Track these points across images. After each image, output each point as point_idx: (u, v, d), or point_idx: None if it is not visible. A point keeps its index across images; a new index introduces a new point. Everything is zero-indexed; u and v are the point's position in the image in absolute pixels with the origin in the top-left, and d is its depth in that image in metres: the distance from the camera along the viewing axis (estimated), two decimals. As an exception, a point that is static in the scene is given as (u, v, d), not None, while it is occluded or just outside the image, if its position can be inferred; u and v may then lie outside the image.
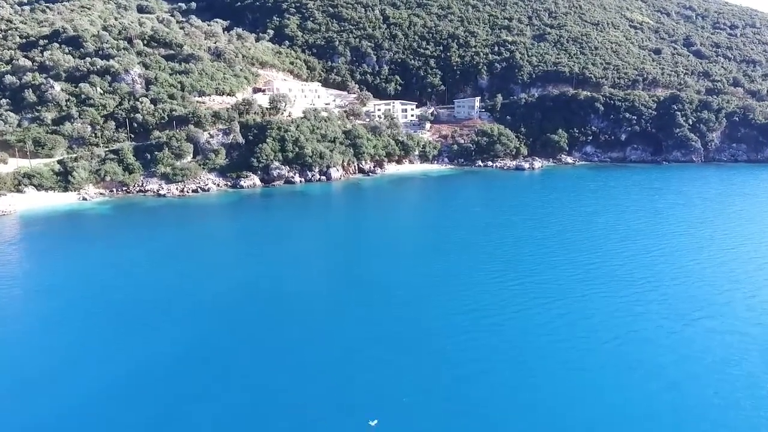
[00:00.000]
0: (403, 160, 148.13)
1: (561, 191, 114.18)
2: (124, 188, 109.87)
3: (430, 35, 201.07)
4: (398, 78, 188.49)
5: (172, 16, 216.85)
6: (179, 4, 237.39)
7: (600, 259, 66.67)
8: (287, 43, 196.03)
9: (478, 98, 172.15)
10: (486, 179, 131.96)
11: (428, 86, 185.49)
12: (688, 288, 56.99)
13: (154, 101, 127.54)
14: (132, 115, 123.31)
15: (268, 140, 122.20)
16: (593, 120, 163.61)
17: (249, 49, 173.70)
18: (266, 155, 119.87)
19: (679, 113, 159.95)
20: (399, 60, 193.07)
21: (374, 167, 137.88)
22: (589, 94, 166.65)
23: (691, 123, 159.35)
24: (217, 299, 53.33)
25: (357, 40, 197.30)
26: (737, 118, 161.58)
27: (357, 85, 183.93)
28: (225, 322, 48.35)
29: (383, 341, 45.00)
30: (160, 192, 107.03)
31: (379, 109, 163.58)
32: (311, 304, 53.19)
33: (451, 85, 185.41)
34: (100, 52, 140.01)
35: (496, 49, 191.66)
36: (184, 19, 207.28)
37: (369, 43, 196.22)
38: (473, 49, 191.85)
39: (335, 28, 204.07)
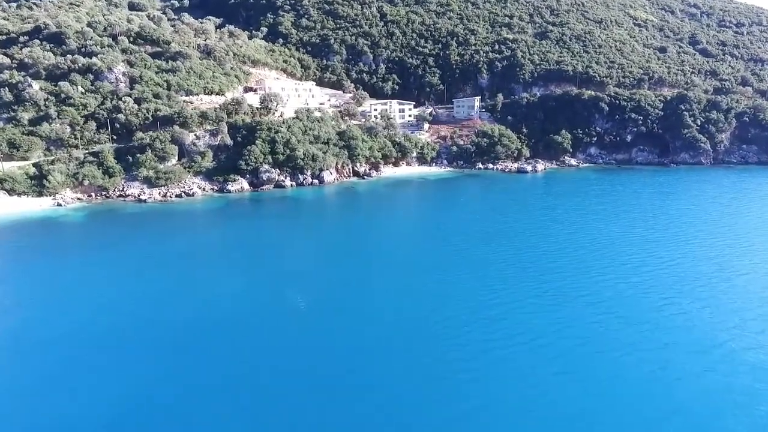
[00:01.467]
0: (400, 163, 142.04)
1: (565, 196, 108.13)
2: (103, 193, 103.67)
3: (429, 33, 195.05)
4: (395, 77, 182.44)
5: (163, 13, 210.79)
6: (172, 1, 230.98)
7: (611, 275, 60.61)
8: (281, 41, 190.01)
9: (478, 98, 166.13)
10: (486, 183, 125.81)
11: (426, 85, 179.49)
12: (717, 313, 50.88)
13: (138, 101, 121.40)
14: (114, 115, 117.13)
15: (257, 142, 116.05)
16: (597, 120, 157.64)
17: (240, 46, 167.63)
18: (255, 158, 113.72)
19: (686, 113, 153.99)
20: (396, 58, 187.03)
21: (370, 170, 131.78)
22: (593, 93, 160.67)
23: (699, 123, 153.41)
24: (188, 328, 47.12)
25: (353, 37, 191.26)
26: (747, 119, 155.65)
27: (353, 85, 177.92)
28: (192, 360, 42.07)
29: (367, 374, 38.98)
30: (140, 197, 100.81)
31: (375, 109, 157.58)
32: (296, 331, 47.11)
33: (450, 84, 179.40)
34: (83, 50, 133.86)
35: (497, 47, 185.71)
36: (176, 17, 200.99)
37: (365, 41, 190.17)
38: (473, 47, 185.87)
39: (331, 26, 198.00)
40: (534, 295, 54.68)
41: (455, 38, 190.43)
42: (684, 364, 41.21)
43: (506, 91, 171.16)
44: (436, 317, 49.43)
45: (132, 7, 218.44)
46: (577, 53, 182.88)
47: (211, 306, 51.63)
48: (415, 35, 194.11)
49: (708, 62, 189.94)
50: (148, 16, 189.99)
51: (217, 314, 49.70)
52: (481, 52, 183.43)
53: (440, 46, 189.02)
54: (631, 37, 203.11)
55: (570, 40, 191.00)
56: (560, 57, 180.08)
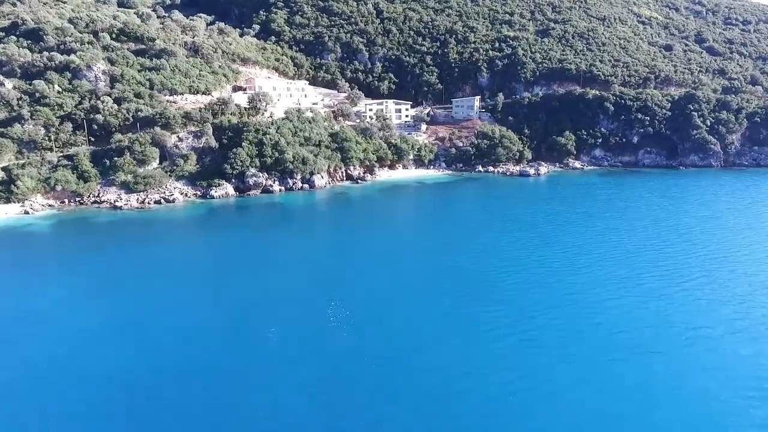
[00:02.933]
0: (396, 165, 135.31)
1: (572, 203, 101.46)
2: (77, 199, 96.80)
3: (427, 30, 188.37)
4: (392, 76, 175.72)
5: (153, 11, 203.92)
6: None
7: (626, 297, 53.98)
8: (273, 38, 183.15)
9: (477, 97, 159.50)
10: (487, 187, 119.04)
11: (424, 85, 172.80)
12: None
13: (118, 100, 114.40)
14: (92, 115, 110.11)
15: (244, 144, 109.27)
16: (602, 121, 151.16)
17: (230, 44, 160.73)
18: (241, 161, 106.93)
19: (695, 114, 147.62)
20: (393, 57, 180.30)
21: (364, 173, 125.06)
22: (597, 93, 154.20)
23: (708, 124, 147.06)
24: (139, 380, 40.31)
25: (348, 35, 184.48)
26: (759, 119, 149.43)
27: (347, 84, 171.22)
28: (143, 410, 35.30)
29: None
30: (116, 204, 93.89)
31: (370, 109, 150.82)
32: (261, 374, 40.37)
33: (448, 83, 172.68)
34: (62, 47, 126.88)
35: (497, 45, 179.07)
36: (166, 14, 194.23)
37: (361, 39, 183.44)
38: (472, 45, 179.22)
39: (325, 23, 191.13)
40: (545, 326, 48.06)
41: (454, 36, 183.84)
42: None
43: (507, 90, 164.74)
44: (419, 352, 42.74)
45: (121, 4, 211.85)
46: (580, 51, 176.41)
47: (162, 346, 44.40)
48: (412, 33, 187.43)
49: (715, 61, 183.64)
50: (137, 14, 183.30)
51: (173, 356, 42.59)
52: (481, 50, 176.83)
53: (438, 44, 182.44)
54: (635, 34, 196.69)
55: (573, 38, 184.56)
56: (563, 55, 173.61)
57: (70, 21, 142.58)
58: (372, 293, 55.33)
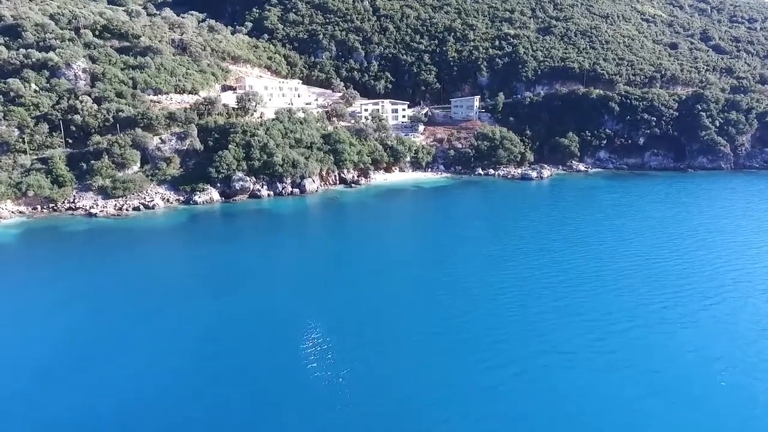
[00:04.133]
0: (393, 168, 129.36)
1: (578, 208, 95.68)
2: (51, 205, 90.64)
3: (425, 28, 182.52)
4: (389, 75, 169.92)
5: (144, 8, 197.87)
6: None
7: (642, 326, 48.11)
8: (266, 36, 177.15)
9: (477, 97, 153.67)
10: (487, 191, 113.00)
11: (422, 84, 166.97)
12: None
13: (98, 100, 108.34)
14: (69, 116, 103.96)
15: (230, 146, 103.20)
16: (607, 122, 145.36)
17: (220, 42, 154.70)
18: (227, 164, 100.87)
19: (704, 114, 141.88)
20: (390, 55, 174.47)
21: (358, 177, 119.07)
22: (601, 92, 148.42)
23: (717, 125, 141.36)
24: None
25: (343, 33, 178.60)
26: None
27: (342, 83, 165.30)
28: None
29: None
30: (91, 210, 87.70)
31: (366, 110, 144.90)
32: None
33: (447, 82, 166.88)
34: (42, 44, 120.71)
35: (497, 43, 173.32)
36: (157, 12, 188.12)
37: (357, 37, 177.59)
38: (472, 44, 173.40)
39: (320, 21, 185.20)
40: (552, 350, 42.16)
41: (453, 34, 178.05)
42: None
43: (508, 90, 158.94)
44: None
45: (111, 2, 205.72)
46: (583, 50, 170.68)
47: (117, 386, 38.65)
48: (410, 30, 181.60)
49: (722, 59, 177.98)
50: (126, 12, 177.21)
51: (129, 402, 36.70)
52: (481, 48, 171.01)
53: (437, 42, 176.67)
54: (639, 32, 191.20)
55: (575, 36, 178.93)
56: (565, 53, 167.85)
57: (52, 17, 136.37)
58: (365, 313, 49.46)
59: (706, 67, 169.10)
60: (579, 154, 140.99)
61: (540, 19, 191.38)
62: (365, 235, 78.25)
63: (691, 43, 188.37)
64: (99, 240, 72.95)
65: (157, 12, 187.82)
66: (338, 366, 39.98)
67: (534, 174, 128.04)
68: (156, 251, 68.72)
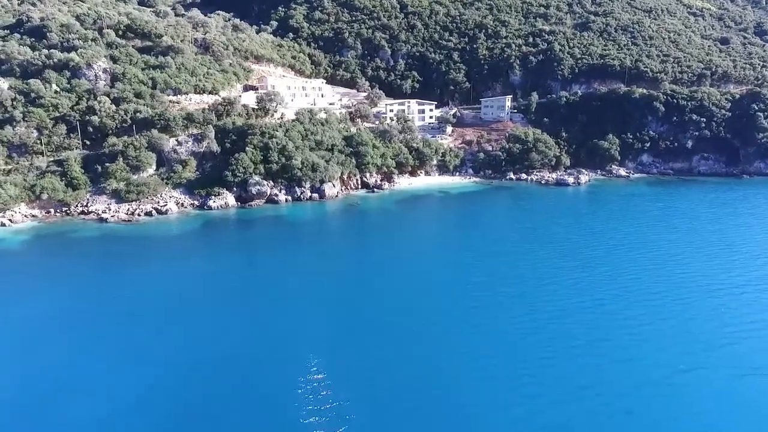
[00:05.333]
0: (418, 172, 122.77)
1: (619, 218, 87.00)
2: (64, 209, 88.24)
3: (454, 25, 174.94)
4: (416, 74, 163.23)
5: (173, 9, 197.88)
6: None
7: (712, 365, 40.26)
8: (291, 35, 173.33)
9: (509, 97, 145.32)
10: (520, 199, 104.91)
11: (450, 83, 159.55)
12: None
13: (116, 101, 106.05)
14: (87, 117, 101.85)
15: (247, 148, 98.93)
16: (651, 123, 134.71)
17: (243, 41, 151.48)
18: (244, 167, 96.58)
19: (761, 114, 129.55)
20: (417, 54, 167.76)
21: (381, 181, 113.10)
22: (645, 91, 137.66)
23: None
24: None
25: (370, 31, 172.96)
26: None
27: (368, 82, 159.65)
28: None
29: None
30: (102, 215, 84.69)
31: (391, 110, 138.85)
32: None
33: (477, 81, 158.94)
34: (65, 44, 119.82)
35: (531, 39, 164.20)
36: (184, 13, 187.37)
37: (383, 35, 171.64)
38: (504, 41, 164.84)
39: (346, 18, 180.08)
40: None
41: (484, 30, 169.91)
42: None
43: (542, 89, 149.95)
44: None
45: (142, 2, 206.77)
46: (624, 46, 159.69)
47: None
48: (438, 28, 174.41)
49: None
50: (155, 12, 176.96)
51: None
52: (513, 45, 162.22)
53: (467, 39, 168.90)
54: (686, 27, 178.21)
55: (616, 32, 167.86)
56: (605, 50, 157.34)
57: (78, 18, 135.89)
58: (390, 339, 43.51)
59: (762, 64, 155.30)
60: (619, 158, 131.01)
61: (577, 15, 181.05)
62: (385, 248, 71.90)
63: (744, 38, 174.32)
64: (104, 249, 69.45)
65: (185, 13, 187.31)
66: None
67: (570, 179, 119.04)
68: (160, 264, 64.05)
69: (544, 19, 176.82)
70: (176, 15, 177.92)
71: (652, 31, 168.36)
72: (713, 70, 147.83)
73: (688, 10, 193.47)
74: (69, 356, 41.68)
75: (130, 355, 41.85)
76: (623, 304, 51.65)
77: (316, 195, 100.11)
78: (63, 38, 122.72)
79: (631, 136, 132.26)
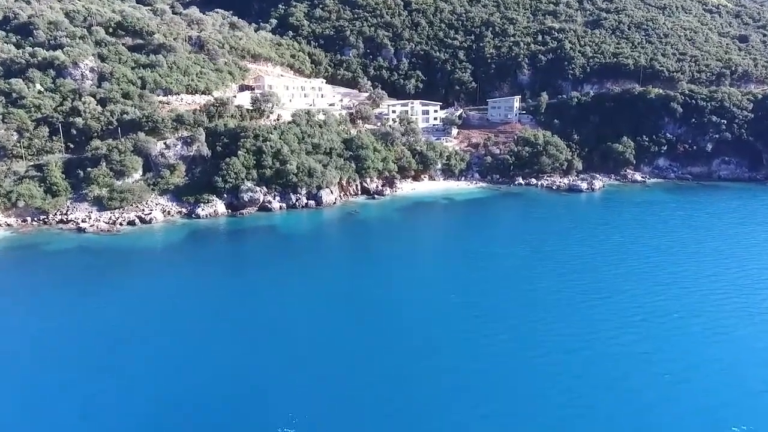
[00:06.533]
0: (422, 176, 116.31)
1: (640, 230, 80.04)
2: (42, 217, 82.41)
3: (460, 23, 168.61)
4: (420, 73, 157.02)
5: (171, 7, 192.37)
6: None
7: None
8: (291, 33, 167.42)
9: (517, 97, 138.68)
10: (531, 206, 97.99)
11: (456, 83, 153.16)
12: None
13: (102, 101, 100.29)
14: (71, 118, 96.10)
15: (239, 152, 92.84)
16: (668, 125, 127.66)
17: (240, 39, 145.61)
18: (235, 172, 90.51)
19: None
20: (421, 52, 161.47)
21: (382, 186, 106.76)
22: (661, 91, 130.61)
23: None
24: None
25: (372, 29, 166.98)
26: None
27: (370, 82, 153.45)
28: None
29: None
30: (81, 225, 78.79)
31: (393, 111, 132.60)
32: None
33: (483, 81, 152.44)
34: (51, 42, 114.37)
35: (540, 37, 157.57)
36: (183, 11, 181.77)
37: (386, 33, 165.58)
38: (512, 39, 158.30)
39: (347, 16, 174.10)
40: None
41: (491, 28, 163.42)
42: None
43: (552, 89, 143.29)
44: None
45: (140, 1, 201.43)
46: (638, 44, 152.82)
47: None
48: (443, 25, 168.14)
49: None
50: (152, 11, 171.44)
51: None
52: (522, 43, 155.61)
53: (473, 37, 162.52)
54: (702, 24, 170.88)
55: (629, 29, 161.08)
56: (618, 48, 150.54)
57: (67, 15, 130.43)
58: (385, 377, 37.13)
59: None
60: (635, 162, 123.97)
61: (588, 12, 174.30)
62: (383, 266, 65.25)
63: (764, 35, 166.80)
64: (76, 264, 63.41)
65: (183, 11, 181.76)
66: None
67: (584, 185, 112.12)
68: (128, 287, 56.90)
69: (554, 17, 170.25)
70: (174, 13, 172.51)
71: (667, 28, 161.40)
72: (733, 69, 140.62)
73: (704, 6, 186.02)
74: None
75: (76, 405, 35.73)
76: (652, 345, 45.00)
77: (312, 202, 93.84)
78: (50, 36, 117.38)
79: (646, 139, 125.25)
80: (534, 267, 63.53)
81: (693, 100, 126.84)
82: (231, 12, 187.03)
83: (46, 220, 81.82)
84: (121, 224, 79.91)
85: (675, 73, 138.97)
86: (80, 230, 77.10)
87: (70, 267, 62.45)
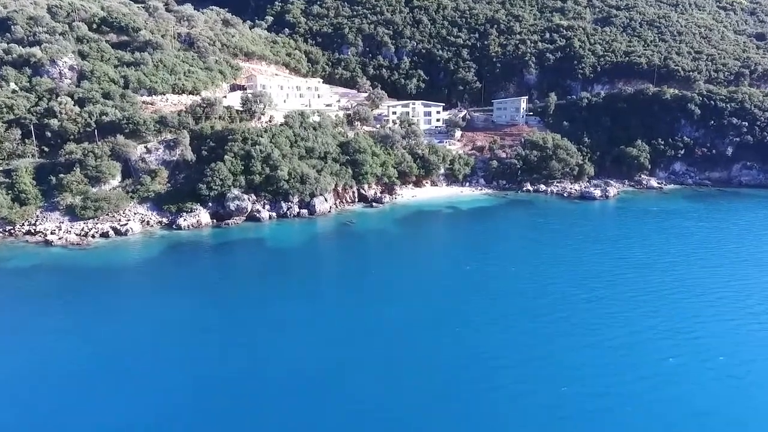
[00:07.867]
0: (423, 182, 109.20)
1: (663, 245, 72.66)
2: (8, 228, 75.35)
3: (463, 20, 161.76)
4: (421, 73, 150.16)
5: (165, 4, 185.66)
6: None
7: None
8: (287, 31, 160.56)
9: (524, 98, 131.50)
10: (541, 216, 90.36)
11: (459, 83, 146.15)
12: None
13: (81, 102, 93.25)
14: (46, 120, 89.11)
15: (226, 157, 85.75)
16: (684, 127, 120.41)
17: (232, 36, 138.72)
18: (221, 179, 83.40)
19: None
20: (423, 51, 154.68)
21: (381, 193, 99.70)
22: (677, 92, 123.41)
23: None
24: None
25: (372, 26, 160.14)
26: None
27: (369, 82, 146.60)
28: None
29: None
30: (48, 237, 71.75)
31: (394, 112, 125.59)
32: None
33: (488, 81, 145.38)
34: (30, 38, 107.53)
35: (548, 35, 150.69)
36: (177, 8, 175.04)
37: (387, 30, 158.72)
38: (518, 37, 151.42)
39: (346, 13, 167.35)
40: None
41: (496, 26, 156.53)
42: None
43: (560, 89, 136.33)
44: None
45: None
46: (651, 42, 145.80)
47: None
48: (446, 23, 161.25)
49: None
50: (146, 8, 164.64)
51: None
52: (528, 42, 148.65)
53: (477, 35, 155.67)
54: (717, 22, 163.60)
55: (641, 27, 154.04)
56: (630, 47, 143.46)
57: (50, 10, 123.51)
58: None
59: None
60: (650, 167, 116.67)
61: (597, 9, 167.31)
62: (378, 289, 58.01)
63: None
64: (34, 285, 56.19)
65: (177, 8, 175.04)
66: None
67: (597, 192, 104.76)
68: (88, 315, 49.96)
69: (562, 14, 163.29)
70: (167, 10, 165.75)
71: (681, 26, 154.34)
72: (752, 68, 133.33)
73: (718, 3, 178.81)
74: None
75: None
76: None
77: (305, 211, 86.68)
78: (29, 32, 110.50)
79: (662, 142, 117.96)
80: (548, 289, 56.25)
81: (711, 101, 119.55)
82: (227, 9, 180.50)
83: (12, 231, 74.73)
84: (93, 236, 72.81)
85: (691, 73, 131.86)
86: (47, 243, 70.02)
87: (22, 289, 55.12)
